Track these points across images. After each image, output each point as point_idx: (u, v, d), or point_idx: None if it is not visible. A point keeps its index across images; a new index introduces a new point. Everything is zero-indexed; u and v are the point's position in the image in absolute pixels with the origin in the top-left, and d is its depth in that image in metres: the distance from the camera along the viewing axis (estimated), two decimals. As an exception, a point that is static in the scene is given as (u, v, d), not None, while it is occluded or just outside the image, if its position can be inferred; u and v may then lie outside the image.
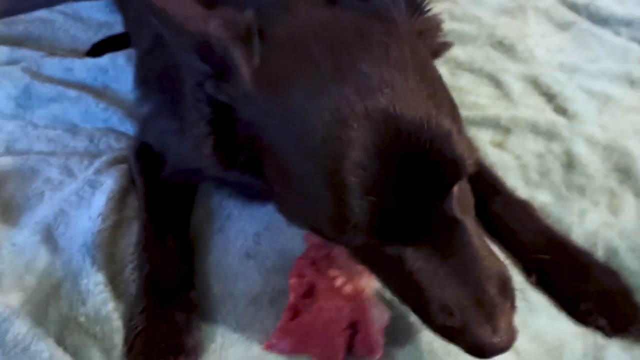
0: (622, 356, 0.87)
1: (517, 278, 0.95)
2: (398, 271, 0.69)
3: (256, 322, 0.88)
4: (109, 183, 1.06)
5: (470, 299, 0.64)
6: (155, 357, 0.81)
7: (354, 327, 0.80)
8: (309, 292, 0.82)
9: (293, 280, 0.83)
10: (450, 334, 0.68)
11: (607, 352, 0.87)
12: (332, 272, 0.81)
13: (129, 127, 1.22)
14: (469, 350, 0.67)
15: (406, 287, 0.70)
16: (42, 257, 0.95)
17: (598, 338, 0.89)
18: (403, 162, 0.63)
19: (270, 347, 0.83)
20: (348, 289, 0.80)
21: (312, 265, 0.83)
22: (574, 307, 0.91)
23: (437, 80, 0.73)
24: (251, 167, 0.75)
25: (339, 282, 0.80)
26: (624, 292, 0.91)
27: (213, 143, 0.73)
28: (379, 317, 0.81)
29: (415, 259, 0.67)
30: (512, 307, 0.67)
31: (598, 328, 0.89)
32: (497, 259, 0.70)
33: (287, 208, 0.78)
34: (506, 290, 0.67)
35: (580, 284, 0.92)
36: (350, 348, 0.80)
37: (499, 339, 0.64)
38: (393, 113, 0.64)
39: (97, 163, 1.12)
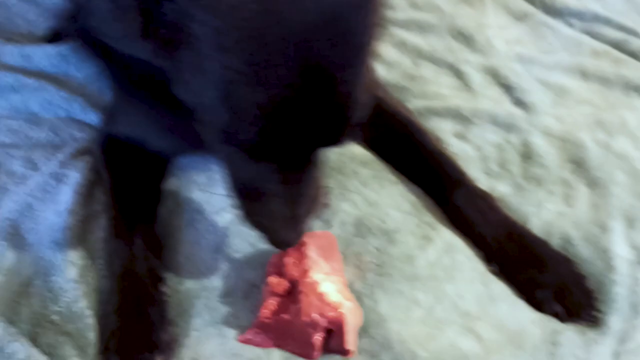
0: (577, 340, 0.93)
1: (480, 267, 1.00)
2: (250, 179, 0.79)
3: (230, 315, 0.90)
4: (75, 176, 1.05)
5: (288, 214, 0.80)
6: (131, 355, 0.82)
7: (331, 330, 0.82)
8: (288, 291, 0.84)
9: (272, 278, 0.85)
10: (263, 229, 0.83)
11: (562, 337, 0.93)
12: (316, 275, 0.84)
13: (92, 117, 1.19)
14: (272, 242, 0.84)
15: (249, 194, 0.82)
16: (9, 254, 0.94)
17: (554, 324, 0.94)
18: (308, 92, 0.66)
19: (246, 341, 0.85)
20: (334, 297, 0.82)
21: (293, 265, 0.85)
22: (532, 294, 0.96)
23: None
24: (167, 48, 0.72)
25: (323, 288, 0.82)
26: (578, 279, 0.97)
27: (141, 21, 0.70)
28: (354, 320, 0.84)
29: (271, 178, 0.77)
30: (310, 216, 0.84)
31: (554, 314, 0.95)
32: (320, 188, 0.86)
33: (187, 95, 0.76)
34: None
35: (537, 272, 0.97)
36: (325, 345, 0.83)
37: (292, 239, 0.82)
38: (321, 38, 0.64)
39: (61, 155, 1.10)
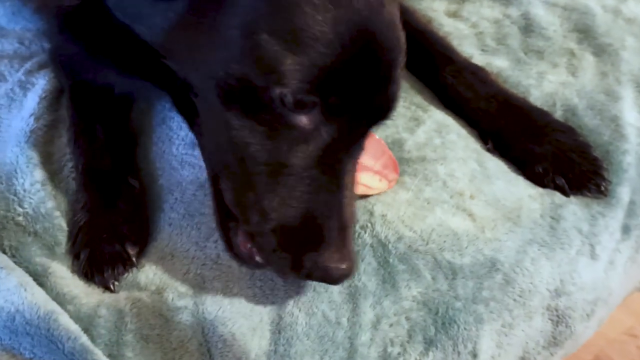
0: (580, 214, 0.86)
1: (474, 146, 0.93)
2: None
3: (205, 206, 0.84)
4: (42, 83, 0.99)
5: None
6: (100, 246, 0.79)
7: None
8: None
9: None
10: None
11: (564, 211, 0.86)
12: None
13: (61, 27, 1.14)
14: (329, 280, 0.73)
15: None
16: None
17: (556, 197, 0.87)
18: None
19: None
20: None
21: None
22: (531, 169, 0.89)
23: None
24: None
25: None
26: (582, 148, 0.89)
27: None
28: None
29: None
30: None
31: (556, 188, 0.87)
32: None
33: None
34: None
35: (536, 145, 0.89)
36: None
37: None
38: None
39: (28, 64, 1.05)
